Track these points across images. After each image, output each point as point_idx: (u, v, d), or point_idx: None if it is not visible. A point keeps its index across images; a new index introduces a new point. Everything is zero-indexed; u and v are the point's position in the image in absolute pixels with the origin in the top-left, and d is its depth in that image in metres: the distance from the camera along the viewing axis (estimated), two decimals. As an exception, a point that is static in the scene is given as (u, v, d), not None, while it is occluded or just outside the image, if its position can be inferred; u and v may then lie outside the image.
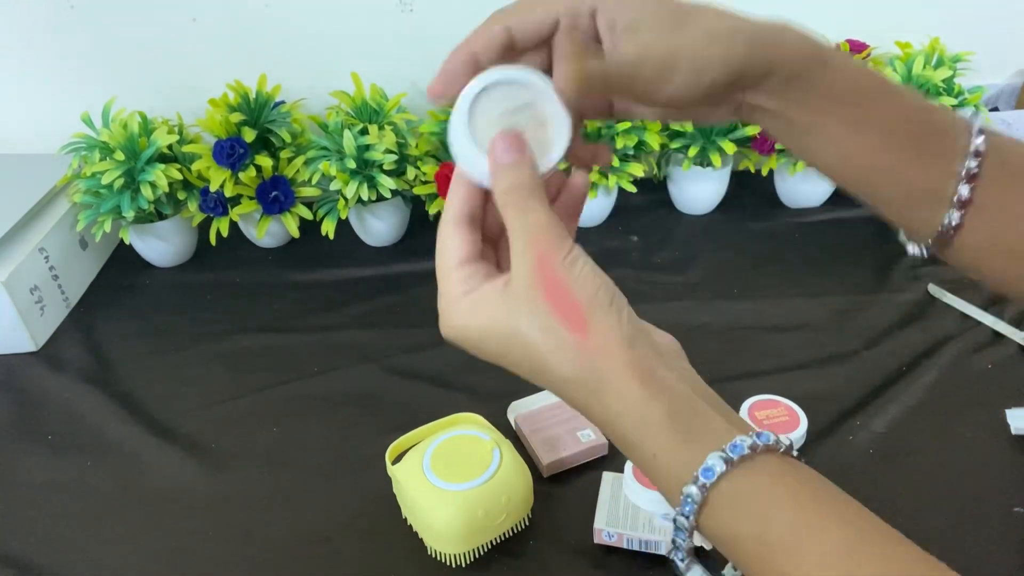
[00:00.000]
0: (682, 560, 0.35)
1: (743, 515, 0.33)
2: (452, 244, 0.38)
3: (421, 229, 1.02)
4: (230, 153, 0.91)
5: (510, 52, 0.38)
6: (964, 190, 0.37)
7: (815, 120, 0.39)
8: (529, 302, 0.35)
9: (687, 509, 0.33)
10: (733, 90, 0.38)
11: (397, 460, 0.62)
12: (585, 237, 1.00)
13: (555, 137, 0.37)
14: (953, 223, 0.38)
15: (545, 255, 0.35)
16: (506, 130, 0.37)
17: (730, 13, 0.37)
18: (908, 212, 0.40)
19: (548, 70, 0.38)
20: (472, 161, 0.37)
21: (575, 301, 0.34)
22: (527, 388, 0.76)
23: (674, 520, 0.34)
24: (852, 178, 0.40)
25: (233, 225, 0.98)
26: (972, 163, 0.37)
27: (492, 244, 0.41)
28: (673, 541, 0.35)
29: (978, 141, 0.37)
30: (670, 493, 0.34)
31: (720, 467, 0.32)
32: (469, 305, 0.37)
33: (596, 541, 0.59)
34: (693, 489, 0.32)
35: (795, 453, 0.35)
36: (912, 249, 0.41)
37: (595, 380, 0.34)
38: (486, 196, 0.39)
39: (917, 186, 0.38)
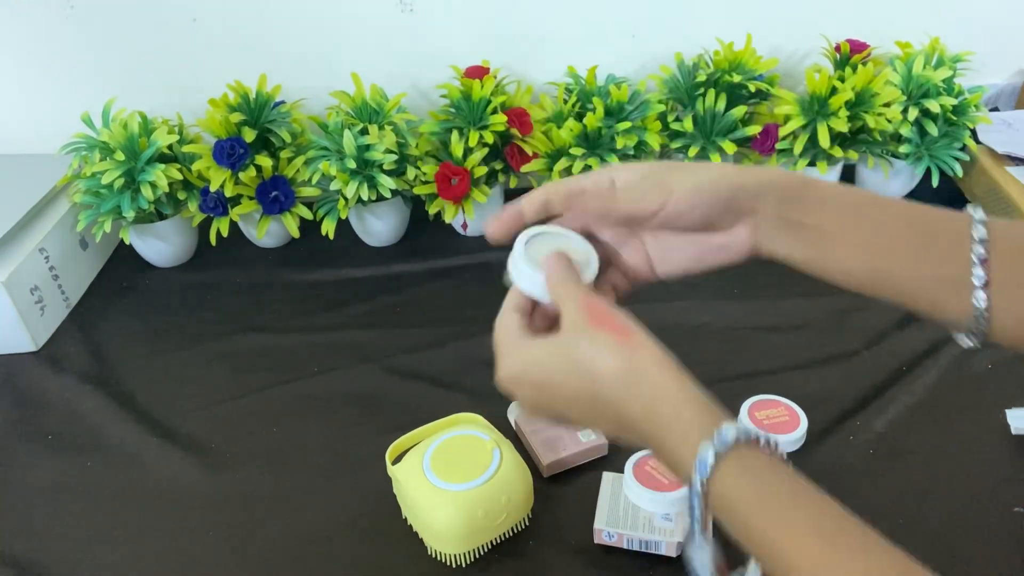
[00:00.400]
0: (696, 522, 0.38)
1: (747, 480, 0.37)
2: (509, 317, 0.46)
3: (421, 229, 1.02)
4: (230, 153, 0.91)
5: (545, 212, 0.47)
6: (980, 273, 0.39)
7: (817, 233, 0.43)
8: (579, 329, 0.41)
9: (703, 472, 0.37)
10: (734, 211, 0.44)
11: (397, 460, 0.62)
12: (585, 237, 1.00)
13: (587, 262, 0.47)
14: (981, 305, 0.39)
15: (590, 298, 0.43)
16: (558, 250, 0.46)
17: (723, 163, 0.45)
18: (935, 303, 0.41)
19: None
20: (531, 280, 0.45)
21: (617, 320, 0.41)
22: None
23: (690, 486, 0.38)
24: (869, 282, 0.43)
25: (233, 225, 0.98)
26: (980, 249, 0.39)
27: None
28: (691, 508, 0.38)
29: (980, 230, 0.40)
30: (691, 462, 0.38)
31: (731, 435, 0.37)
32: (527, 344, 0.43)
33: (596, 541, 0.59)
34: (709, 453, 0.37)
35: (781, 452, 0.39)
36: (964, 342, 0.42)
37: (637, 370, 0.39)
38: (533, 307, 0.47)
39: (937, 277, 0.41)
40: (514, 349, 0.44)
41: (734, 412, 0.69)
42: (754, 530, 0.36)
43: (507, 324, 0.45)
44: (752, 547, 0.36)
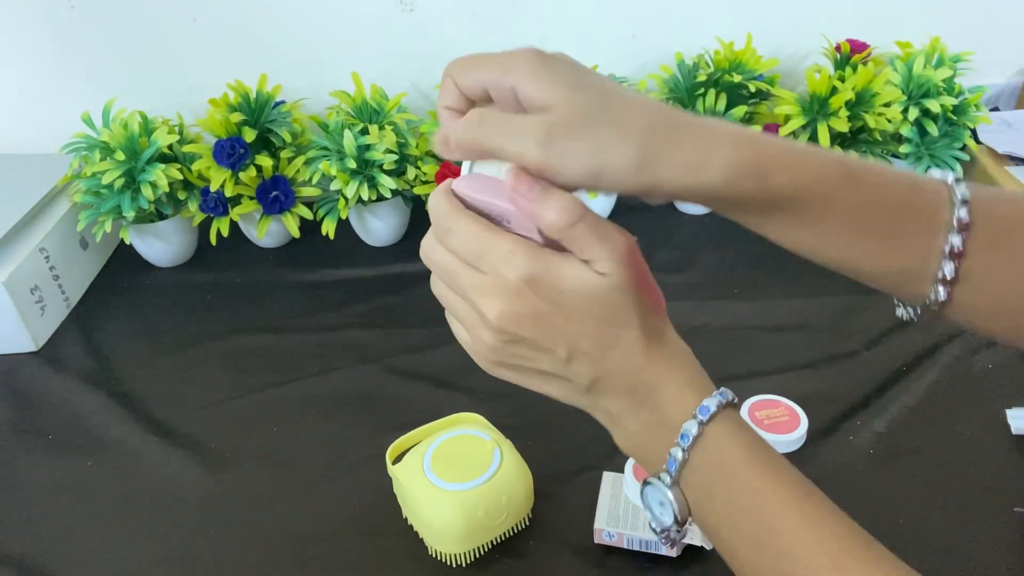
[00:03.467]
0: (674, 465, 0.38)
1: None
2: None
3: (421, 229, 1.01)
4: (230, 153, 0.91)
5: (466, 103, 0.40)
6: (949, 268, 0.37)
7: (766, 222, 0.39)
8: (624, 279, 0.37)
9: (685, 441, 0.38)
10: (645, 195, 0.37)
11: (397, 460, 0.62)
12: (585, 237, 1.00)
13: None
14: (940, 299, 0.38)
15: (636, 251, 0.38)
16: (514, 169, 0.37)
17: (657, 117, 0.36)
18: (893, 290, 0.40)
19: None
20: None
21: (654, 285, 0.40)
22: (525, 388, 0.76)
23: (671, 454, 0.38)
24: (830, 263, 0.40)
25: (233, 225, 0.98)
26: (956, 240, 0.37)
27: None
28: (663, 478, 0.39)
29: (961, 213, 0.37)
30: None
31: (729, 395, 0.39)
32: (569, 270, 0.37)
33: (596, 541, 0.59)
34: (692, 425, 0.38)
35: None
36: (901, 313, 0.42)
37: (657, 329, 0.39)
38: None
39: (896, 267, 0.39)
40: (543, 256, 0.37)
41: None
42: (743, 488, 0.37)
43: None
44: (729, 504, 0.37)
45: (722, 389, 0.39)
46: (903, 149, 0.96)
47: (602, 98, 0.36)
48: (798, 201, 0.37)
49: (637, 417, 0.40)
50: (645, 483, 0.40)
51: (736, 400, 0.39)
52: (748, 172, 0.36)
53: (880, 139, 0.96)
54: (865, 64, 0.95)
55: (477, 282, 0.38)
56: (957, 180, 0.38)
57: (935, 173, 0.40)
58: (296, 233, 0.97)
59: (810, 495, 0.37)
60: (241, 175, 0.93)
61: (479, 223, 0.38)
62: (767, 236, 0.40)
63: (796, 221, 0.38)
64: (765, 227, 0.39)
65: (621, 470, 0.62)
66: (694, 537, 0.56)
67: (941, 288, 0.38)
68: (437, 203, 0.40)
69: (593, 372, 0.39)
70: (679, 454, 0.38)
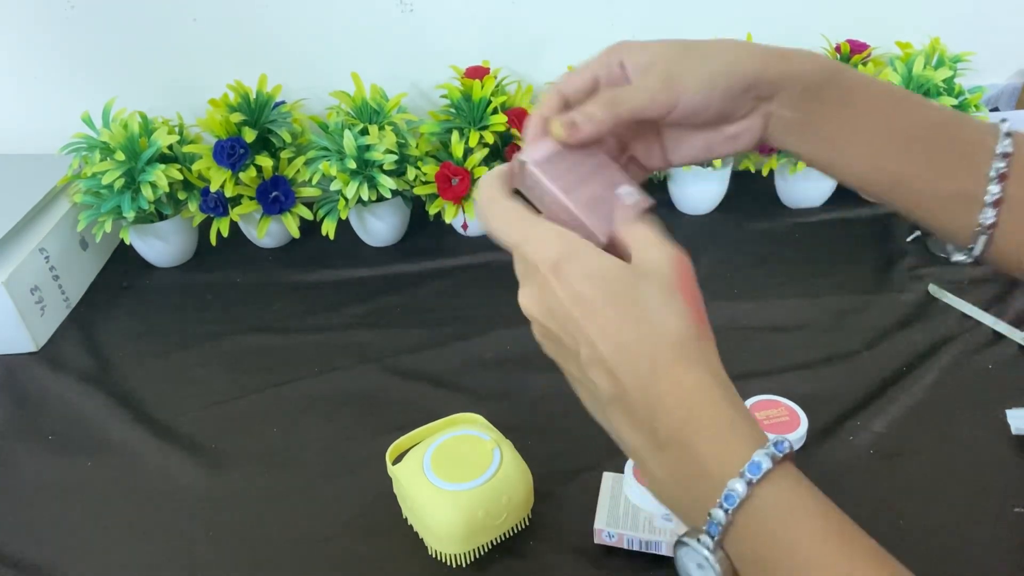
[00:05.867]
0: (717, 532, 0.33)
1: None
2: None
3: (421, 229, 1.02)
4: (230, 153, 0.91)
5: (567, 108, 0.43)
6: (995, 189, 0.38)
7: (836, 130, 0.41)
8: (661, 278, 0.35)
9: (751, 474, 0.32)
10: (750, 100, 0.42)
11: (397, 460, 0.62)
12: (585, 237, 1.00)
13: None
14: (988, 222, 0.39)
15: (686, 261, 0.37)
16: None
17: (743, 40, 0.42)
18: (942, 216, 0.41)
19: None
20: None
21: (700, 301, 0.36)
22: (525, 388, 0.76)
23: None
24: (881, 187, 0.41)
25: (233, 225, 0.98)
26: (1001, 164, 0.38)
27: None
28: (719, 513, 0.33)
29: (1005, 143, 0.39)
30: (733, 453, 0.33)
31: (785, 446, 0.33)
32: (593, 249, 0.37)
33: (596, 541, 0.59)
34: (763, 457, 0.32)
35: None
36: (956, 255, 0.42)
37: (699, 348, 0.35)
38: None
39: (947, 189, 0.40)
40: (576, 241, 0.36)
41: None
42: (798, 546, 0.32)
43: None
44: (781, 564, 0.32)
45: (776, 438, 0.33)
46: (903, 149, 0.96)
47: (688, 41, 0.42)
48: (867, 101, 0.40)
49: (665, 459, 0.34)
50: (680, 542, 0.34)
51: (792, 450, 0.33)
52: (823, 63, 0.41)
53: (880, 139, 0.96)
54: (865, 64, 0.95)
55: (518, 270, 0.39)
56: (1002, 120, 0.40)
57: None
58: (296, 233, 0.97)
59: (885, 562, 0.32)
60: (241, 175, 0.93)
61: (517, 212, 0.39)
62: (822, 166, 0.42)
63: (853, 127, 0.40)
64: (836, 142, 0.41)
65: (621, 470, 0.62)
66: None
67: (991, 211, 0.39)
68: (481, 186, 0.42)
69: (611, 385, 0.35)
70: (721, 516, 0.32)
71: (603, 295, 0.35)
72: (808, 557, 0.31)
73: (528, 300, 0.37)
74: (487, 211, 0.40)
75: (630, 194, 0.41)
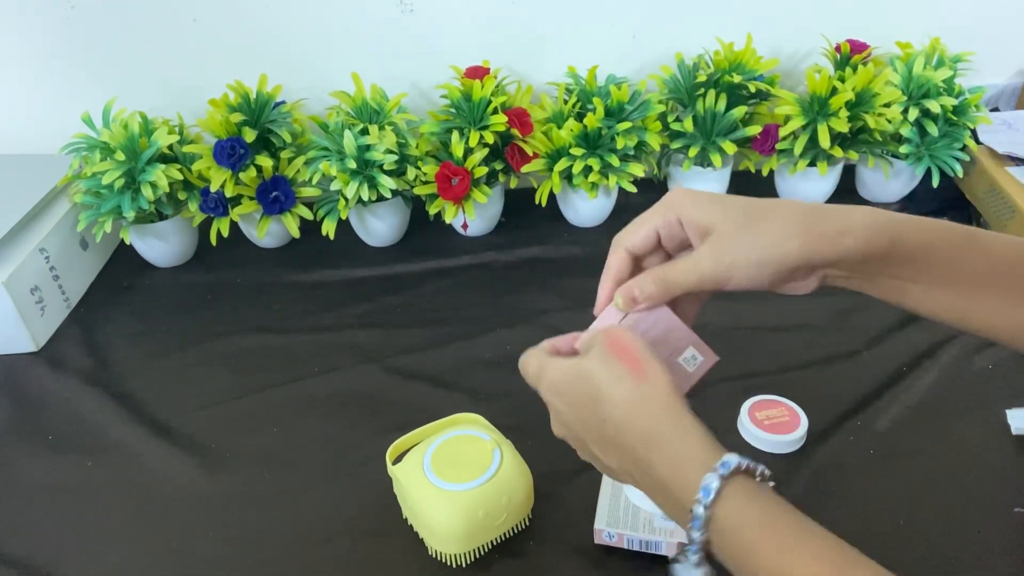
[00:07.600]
0: (695, 552, 0.38)
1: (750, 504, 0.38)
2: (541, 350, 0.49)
3: (421, 229, 1.02)
4: (230, 153, 0.91)
5: (637, 264, 0.48)
6: None
7: (898, 283, 0.43)
8: (598, 354, 0.43)
9: (706, 497, 0.38)
10: (803, 272, 0.44)
11: (397, 460, 0.62)
12: (585, 237, 1.00)
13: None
14: None
15: (611, 329, 0.44)
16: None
17: (801, 208, 0.43)
18: (1020, 340, 0.42)
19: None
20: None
21: (634, 353, 0.42)
22: (525, 388, 0.75)
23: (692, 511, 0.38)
24: (951, 320, 0.43)
25: (233, 225, 0.98)
26: None
27: None
28: (690, 534, 0.39)
29: None
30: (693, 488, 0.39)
31: (734, 462, 0.38)
32: (556, 363, 0.46)
33: (596, 541, 0.59)
34: (713, 479, 0.38)
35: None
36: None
37: (645, 398, 0.41)
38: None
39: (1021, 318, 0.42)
40: (553, 362, 0.46)
41: (734, 412, 0.69)
42: (762, 556, 0.36)
43: (536, 350, 0.48)
44: (755, 573, 0.37)
45: (724, 459, 0.38)
46: (903, 149, 0.96)
47: (746, 209, 0.44)
48: (929, 258, 0.42)
49: (658, 500, 0.41)
50: (673, 560, 0.41)
51: (747, 465, 0.38)
52: (882, 230, 0.42)
53: (880, 139, 0.96)
54: (865, 64, 0.95)
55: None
56: None
57: None
58: (296, 233, 0.97)
59: (840, 549, 0.36)
60: (241, 175, 0.93)
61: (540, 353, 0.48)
62: (903, 303, 0.44)
63: (927, 279, 0.42)
64: (903, 290, 0.44)
65: (621, 470, 0.62)
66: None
67: None
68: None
69: (606, 462, 0.43)
70: (697, 536, 0.38)
71: (567, 389, 0.45)
72: (765, 567, 0.36)
73: (552, 424, 0.48)
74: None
75: (689, 361, 0.48)
